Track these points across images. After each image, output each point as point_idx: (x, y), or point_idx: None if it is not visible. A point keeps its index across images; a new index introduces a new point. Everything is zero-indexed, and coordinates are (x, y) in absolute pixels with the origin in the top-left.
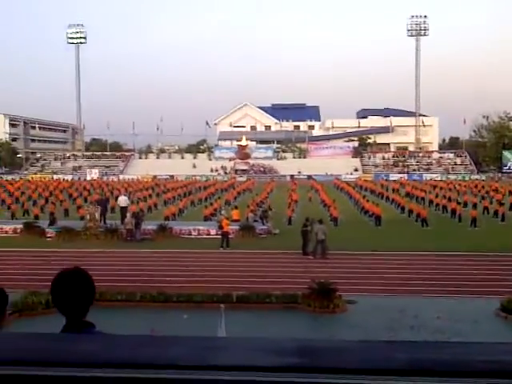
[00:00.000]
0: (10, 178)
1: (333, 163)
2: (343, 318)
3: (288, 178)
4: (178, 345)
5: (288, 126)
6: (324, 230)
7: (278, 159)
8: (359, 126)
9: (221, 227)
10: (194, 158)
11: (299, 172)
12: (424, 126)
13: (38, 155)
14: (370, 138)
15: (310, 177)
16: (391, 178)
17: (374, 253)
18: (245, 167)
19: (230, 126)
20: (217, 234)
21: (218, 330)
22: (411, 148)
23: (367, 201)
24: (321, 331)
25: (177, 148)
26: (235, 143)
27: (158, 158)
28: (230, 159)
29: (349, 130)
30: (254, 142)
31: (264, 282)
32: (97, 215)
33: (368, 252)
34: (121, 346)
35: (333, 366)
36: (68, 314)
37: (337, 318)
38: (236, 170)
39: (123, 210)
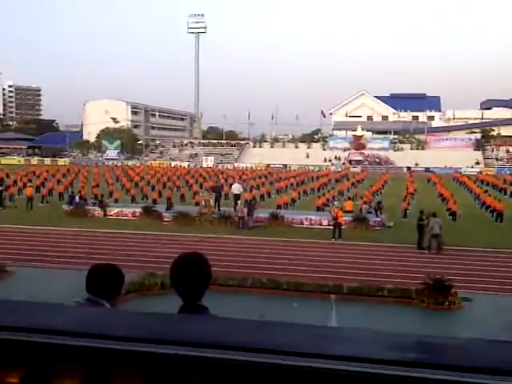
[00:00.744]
0: (130, 163)
1: (453, 156)
2: (458, 316)
3: (404, 170)
4: (295, 332)
5: (406, 116)
6: (440, 224)
7: (394, 150)
8: (482, 118)
9: (335, 218)
10: (308, 147)
11: (416, 164)
12: None
13: (157, 142)
14: (493, 130)
15: (428, 169)
16: None
17: (493, 250)
18: (359, 158)
19: (346, 115)
20: (329, 225)
21: (328, 320)
22: None
23: (489, 195)
24: (435, 328)
25: (291, 137)
26: (350, 133)
27: (271, 146)
28: (345, 149)
29: (471, 122)
30: (370, 133)
31: (376, 275)
32: (212, 202)
33: (486, 249)
34: (238, 329)
35: (455, 363)
36: (185, 296)
37: (452, 315)
38: (350, 161)
39: (236, 197)
